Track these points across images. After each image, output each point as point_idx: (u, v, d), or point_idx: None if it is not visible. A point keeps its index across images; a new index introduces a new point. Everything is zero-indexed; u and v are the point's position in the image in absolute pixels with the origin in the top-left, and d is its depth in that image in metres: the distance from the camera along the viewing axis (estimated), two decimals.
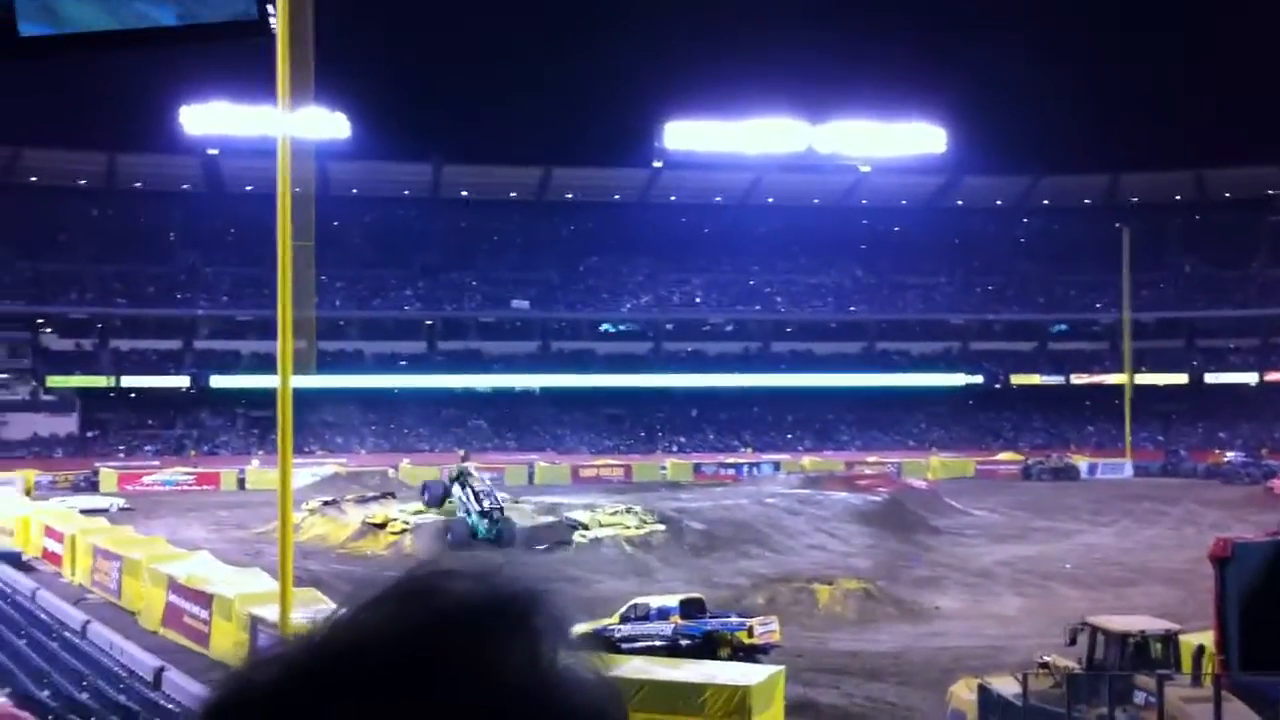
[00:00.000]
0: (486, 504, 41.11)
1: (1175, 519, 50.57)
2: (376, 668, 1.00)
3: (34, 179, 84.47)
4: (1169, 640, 18.74)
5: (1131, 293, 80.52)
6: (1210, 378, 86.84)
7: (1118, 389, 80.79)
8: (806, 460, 73.34)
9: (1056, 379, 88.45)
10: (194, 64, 69.00)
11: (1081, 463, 74.24)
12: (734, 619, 25.52)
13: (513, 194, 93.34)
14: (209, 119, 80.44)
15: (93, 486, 61.74)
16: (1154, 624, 19.78)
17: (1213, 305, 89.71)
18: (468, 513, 41.10)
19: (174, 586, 26.96)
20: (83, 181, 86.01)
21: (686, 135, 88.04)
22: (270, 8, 3.07)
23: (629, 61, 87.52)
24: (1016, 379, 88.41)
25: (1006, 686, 18.96)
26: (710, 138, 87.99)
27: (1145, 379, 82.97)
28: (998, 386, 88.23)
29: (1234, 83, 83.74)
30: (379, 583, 1.08)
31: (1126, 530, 47.67)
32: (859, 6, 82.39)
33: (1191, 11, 79.57)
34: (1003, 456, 77.31)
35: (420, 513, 42.93)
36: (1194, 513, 51.82)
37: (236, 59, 60.76)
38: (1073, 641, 19.44)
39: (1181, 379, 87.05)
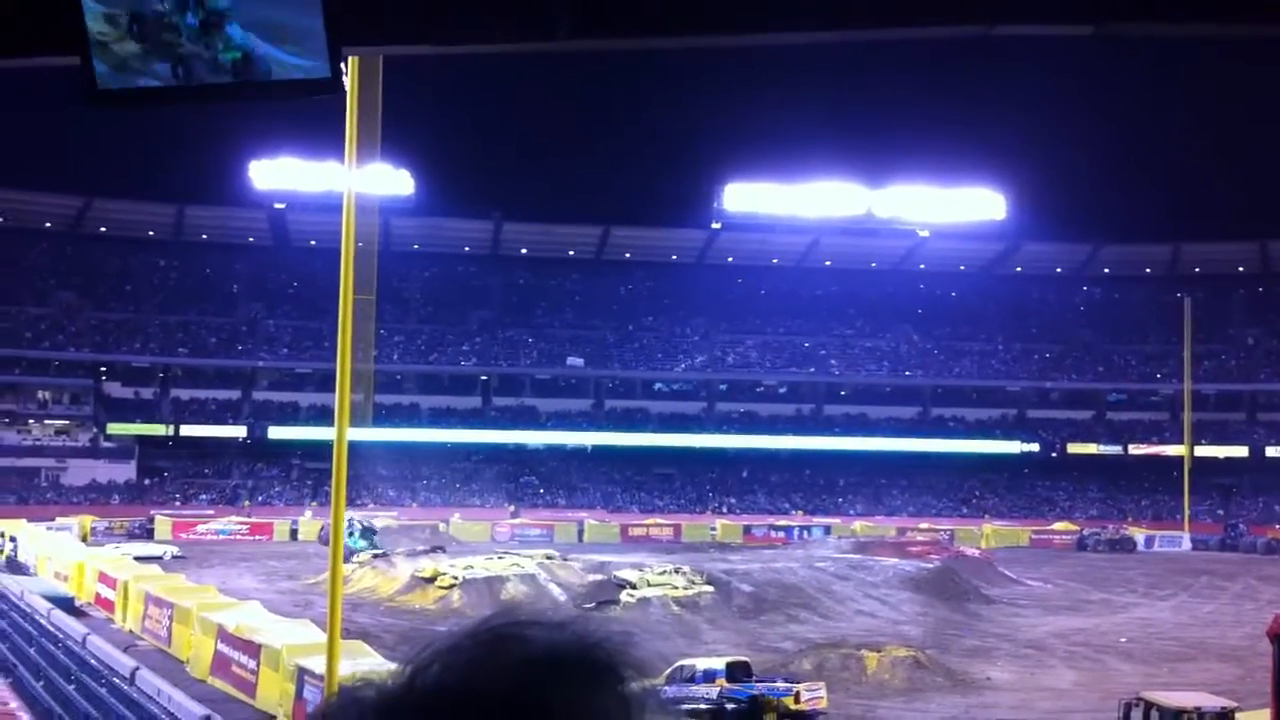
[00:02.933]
0: (362, 525, 51.16)
1: (1233, 594, 49.63)
2: (477, 713, 1.01)
3: (103, 229, 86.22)
4: (1225, 718, 18.39)
5: (1192, 364, 79.61)
6: (1272, 451, 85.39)
7: (1176, 460, 79.67)
8: (858, 525, 72.78)
9: (1114, 449, 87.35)
10: (263, 119, 70.48)
11: (1138, 535, 73.13)
12: (780, 684, 25.28)
13: (571, 252, 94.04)
14: (277, 174, 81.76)
15: (148, 534, 62.30)
16: (1210, 701, 19.43)
17: (1275, 378, 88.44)
18: (350, 534, 46.83)
19: (223, 635, 27.10)
20: (151, 232, 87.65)
21: (745, 197, 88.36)
22: (342, 66, 3.17)
23: (690, 123, 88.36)
24: (1073, 448, 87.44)
25: None
26: (769, 200, 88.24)
27: (1205, 451, 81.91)
28: (1054, 455, 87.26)
29: None
30: (454, 631, 1.10)
31: (1183, 605, 46.82)
32: (919, 72, 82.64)
33: (1258, 82, 79.04)
34: (1058, 526, 76.32)
35: (469, 568, 42.96)
36: (1253, 588, 50.85)
37: (305, 116, 62.01)
38: (1126, 717, 19.13)
39: (1242, 452, 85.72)
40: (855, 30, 3.37)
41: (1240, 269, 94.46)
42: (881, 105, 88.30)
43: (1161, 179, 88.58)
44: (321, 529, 56.45)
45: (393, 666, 0.90)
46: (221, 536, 64.10)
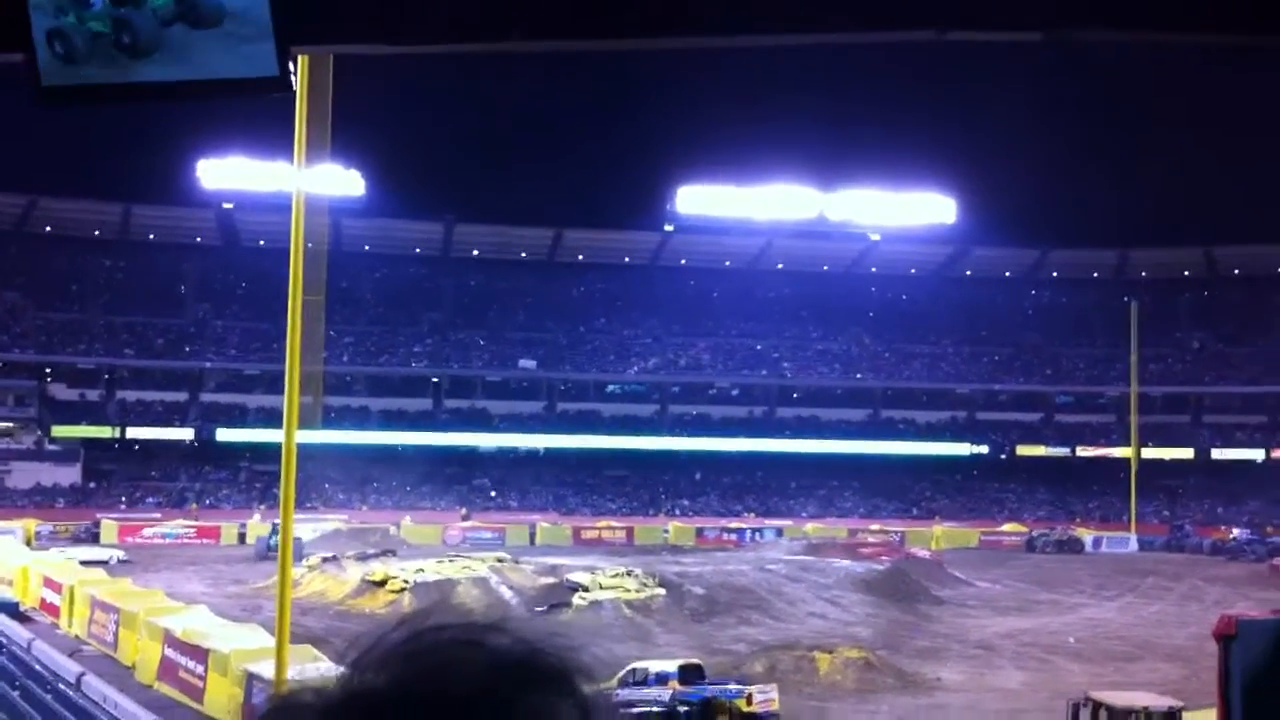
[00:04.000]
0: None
1: (1180, 595, 50.24)
2: (435, 717, 1.01)
3: (49, 229, 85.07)
4: (1172, 717, 18.60)
5: (1139, 367, 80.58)
6: (1217, 454, 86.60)
7: (1124, 462, 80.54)
8: (810, 526, 73.07)
9: (1062, 451, 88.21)
10: (212, 118, 69.79)
11: (1086, 536, 73.89)
12: (733, 686, 25.33)
13: (524, 254, 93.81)
14: (225, 173, 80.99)
15: (93, 538, 61.53)
16: (1157, 700, 19.66)
17: (1220, 381, 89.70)
18: (272, 533, 49.07)
19: (170, 640, 26.81)
20: (97, 232, 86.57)
21: (698, 200, 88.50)
22: (291, 65, 3.14)
23: (643, 126, 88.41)
24: (1022, 450, 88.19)
25: None
26: (722, 203, 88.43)
27: (1152, 453, 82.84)
28: (1003, 457, 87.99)
29: (1244, 159, 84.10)
30: (383, 633, 1.09)
31: (1130, 605, 47.35)
32: (871, 76, 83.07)
33: (1202, 89, 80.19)
34: (1007, 528, 76.96)
35: (420, 571, 42.75)
36: (1199, 589, 51.49)
37: (254, 114, 61.43)
38: (1075, 716, 19.31)
39: (1188, 454, 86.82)
40: (810, 34, 3.38)
41: (1186, 274, 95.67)
42: (833, 109, 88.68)
43: (1108, 185, 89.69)
44: (258, 540, 56.97)
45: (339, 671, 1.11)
46: (168, 540, 63.41)
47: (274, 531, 54.04)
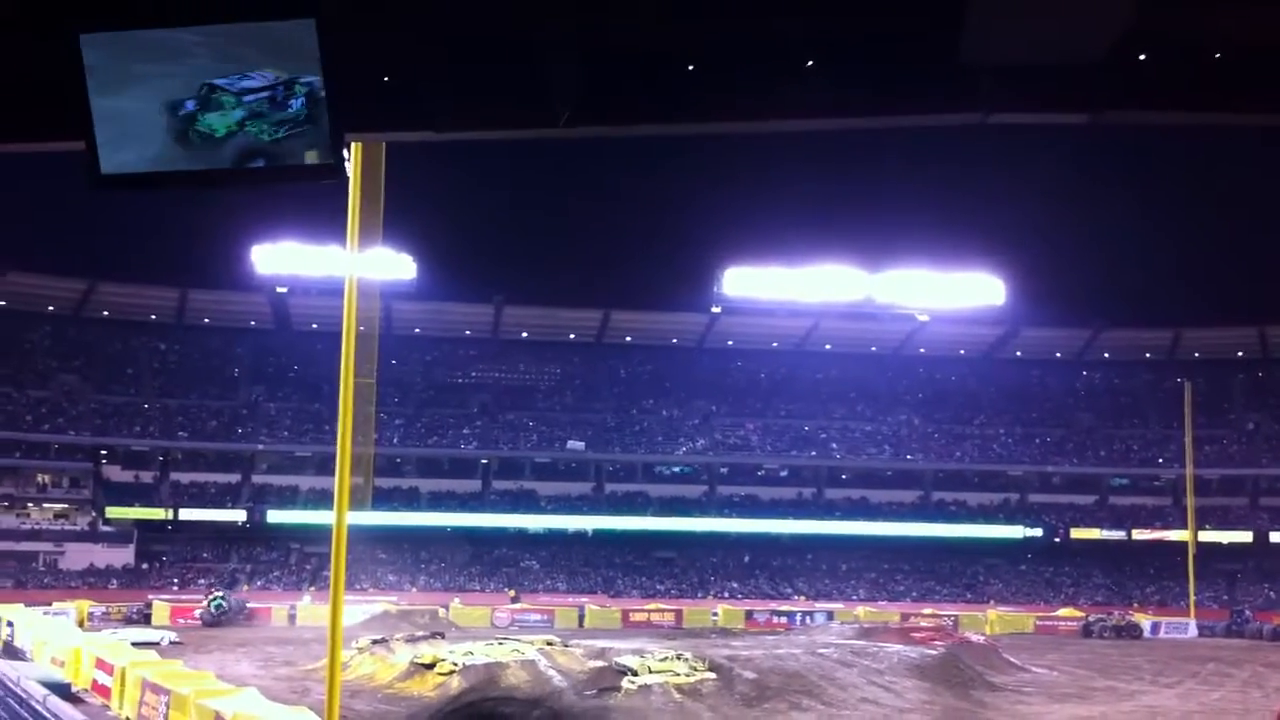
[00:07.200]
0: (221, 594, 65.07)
1: (1241, 681, 49.01)
2: None
3: (106, 313, 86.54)
4: None
5: (1194, 448, 79.50)
6: (1275, 537, 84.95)
7: (1180, 546, 79.19)
8: (861, 610, 72.19)
9: (1118, 534, 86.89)
10: (266, 204, 71.04)
11: (1144, 621, 72.44)
12: None
13: (572, 335, 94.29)
14: (279, 258, 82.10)
15: (145, 619, 61.72)
16: None
17: (1278, 463, 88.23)
18: (220, 597, 63.34)
19: None
20: (153, 316, 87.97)
21: (745, 281, 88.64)
22: (345, 153, 3.21)
23: (690, 208, 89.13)
24: (1077, 533, 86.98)
25: None
26: (769, 284, 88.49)
27: (1209, 536, 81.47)
28: (1057, 540, 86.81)
29: None
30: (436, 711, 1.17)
31: (1191, 692, 46.20)
32: (918, 157, 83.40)
33: (1254, 167, 79.68)
34: (1063, 612, 75.63)
35: (469, 654, 42.50)
36: (1260, 675, 50.25)
37: (308, 200, 62.58)
38: None
39: (1246, 537, 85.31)
40: (855, 118, 3.42)
41: (1240, 354, 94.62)
42: (880, 190, 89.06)
43: (1160, 264, 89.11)
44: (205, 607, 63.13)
45: None
46: None
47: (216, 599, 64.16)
